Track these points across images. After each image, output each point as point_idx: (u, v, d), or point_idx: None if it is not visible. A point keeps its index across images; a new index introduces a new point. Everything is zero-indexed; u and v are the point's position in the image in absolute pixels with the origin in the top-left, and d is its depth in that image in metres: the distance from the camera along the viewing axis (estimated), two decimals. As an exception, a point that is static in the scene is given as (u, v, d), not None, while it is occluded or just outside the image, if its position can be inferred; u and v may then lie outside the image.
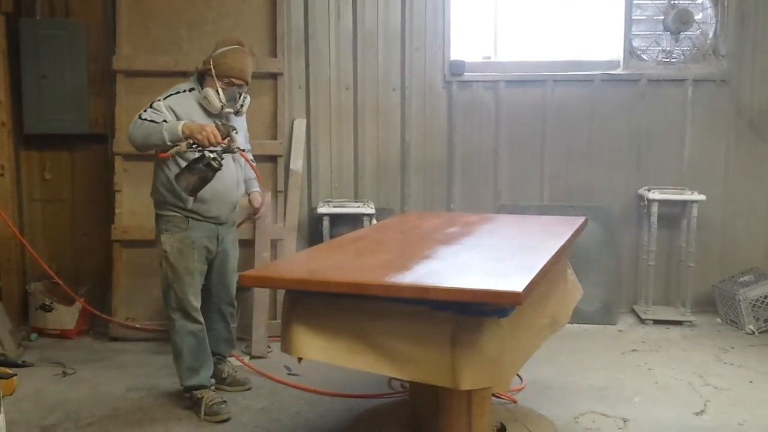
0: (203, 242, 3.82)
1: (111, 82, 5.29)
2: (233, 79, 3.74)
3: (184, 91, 3.75)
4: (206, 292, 3.98)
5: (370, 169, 5.73)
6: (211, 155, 3.47)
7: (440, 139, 5.73)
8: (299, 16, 5.57)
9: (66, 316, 5.15)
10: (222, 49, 3.74)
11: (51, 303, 5.15)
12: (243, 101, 3.82)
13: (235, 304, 4.21)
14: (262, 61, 5.27)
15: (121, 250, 5.17)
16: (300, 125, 5.53)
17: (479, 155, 5.73)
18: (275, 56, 5.33)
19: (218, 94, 3.69)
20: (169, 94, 3.71)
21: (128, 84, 5.24)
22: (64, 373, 4.42)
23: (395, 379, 4.11)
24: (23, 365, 4.45)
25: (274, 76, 5.31)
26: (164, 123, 3.52)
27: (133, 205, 5.19)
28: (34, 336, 5.12)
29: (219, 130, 3.51)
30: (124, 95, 5.23)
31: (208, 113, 3.74)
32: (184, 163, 3.56)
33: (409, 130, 5.70)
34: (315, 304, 2.71)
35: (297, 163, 5.34)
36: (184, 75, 5.04)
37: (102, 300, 5.30)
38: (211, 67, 3.70)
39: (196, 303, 3.83)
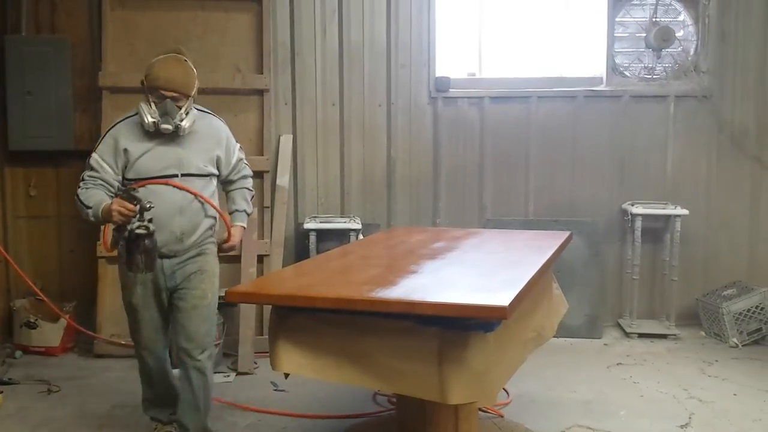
0: (148, 277, 3.33)
1: (97, 99, 5.30)
2: (162, 91, 3.23)
3: (134, 114, 3.35)
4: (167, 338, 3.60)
5: (357, 185, 5.74)
6: (134, 225, 3.10)
7: (426, 155, 5.76)
8: (285, 33, 5.60)
9: (51, 333, 5.11)
10: (153, 60, 3.30)
11: (36, 320, 5.11)
12: (182, 118, 3.26)
13: (204, 353, 3.41)
14: (248, 78, 5.32)
15: (107, 267, 5.14)
16: (286, 141, 5.55)
17: (464, 170, 5.77)
18: (261, 72, 5.36)
19: (150, 108, 3.25)
20: (118, 121, 3.40)
21: (114, 100, 5.24)
22: (49, 391, 4.38)
23: (381, 393, 4.12)
24: (8, 383, 4.44)
25: (260, 93, 5.33)
26: (90, 210, 3.22)
27: (119, 221, 5.17)
28: (18, 353, 5.07)
29: (123, 198, 3.13)
30: (110, 111, 5.22)
31: (150, 134, 3.30)
32: None
33: (395, 145, 5.73)
34: (302, 320, 2.72)
35: (283, 179, 5.35)
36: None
37: (87, 317, 5.25)
38: (143, 78, 3.28)
39: (144, 341, 3.49)
